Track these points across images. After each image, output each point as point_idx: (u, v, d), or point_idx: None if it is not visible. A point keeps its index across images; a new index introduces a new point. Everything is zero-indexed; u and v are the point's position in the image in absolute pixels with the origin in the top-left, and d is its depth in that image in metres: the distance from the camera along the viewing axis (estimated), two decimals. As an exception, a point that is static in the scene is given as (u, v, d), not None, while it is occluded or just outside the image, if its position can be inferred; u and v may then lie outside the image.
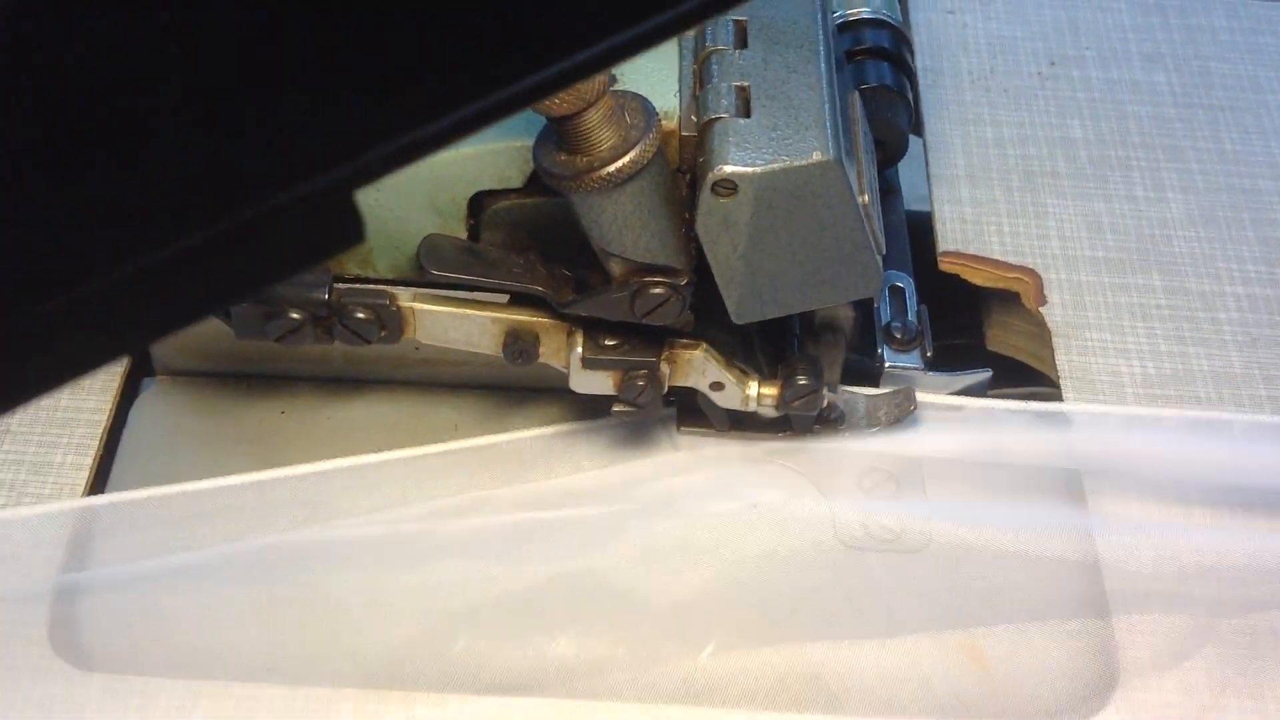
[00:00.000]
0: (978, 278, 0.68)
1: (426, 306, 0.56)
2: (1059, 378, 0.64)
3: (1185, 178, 0.73)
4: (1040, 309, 0.67)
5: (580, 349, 0.57)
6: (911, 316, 0.66)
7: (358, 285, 0.56)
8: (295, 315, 0.55)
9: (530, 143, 0.52)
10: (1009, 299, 0.68)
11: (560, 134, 0.51)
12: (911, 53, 0.71)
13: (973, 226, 0.69)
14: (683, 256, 0.54)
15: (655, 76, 0.55)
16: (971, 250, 0.69)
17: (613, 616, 0.57)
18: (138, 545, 0.57)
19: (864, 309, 0.64)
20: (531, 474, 0.61)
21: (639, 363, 0.57)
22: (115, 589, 0.56)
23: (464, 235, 0.57)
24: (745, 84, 0.54)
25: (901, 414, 0.62)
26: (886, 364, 0.65)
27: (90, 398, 0.61)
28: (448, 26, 0.26)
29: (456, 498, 0.60)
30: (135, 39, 0.25)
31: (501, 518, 0.60)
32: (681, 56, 0.56)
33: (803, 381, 0.58)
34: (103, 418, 0.61)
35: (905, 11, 0.72)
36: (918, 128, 0.73)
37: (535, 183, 0.55)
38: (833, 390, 0.61)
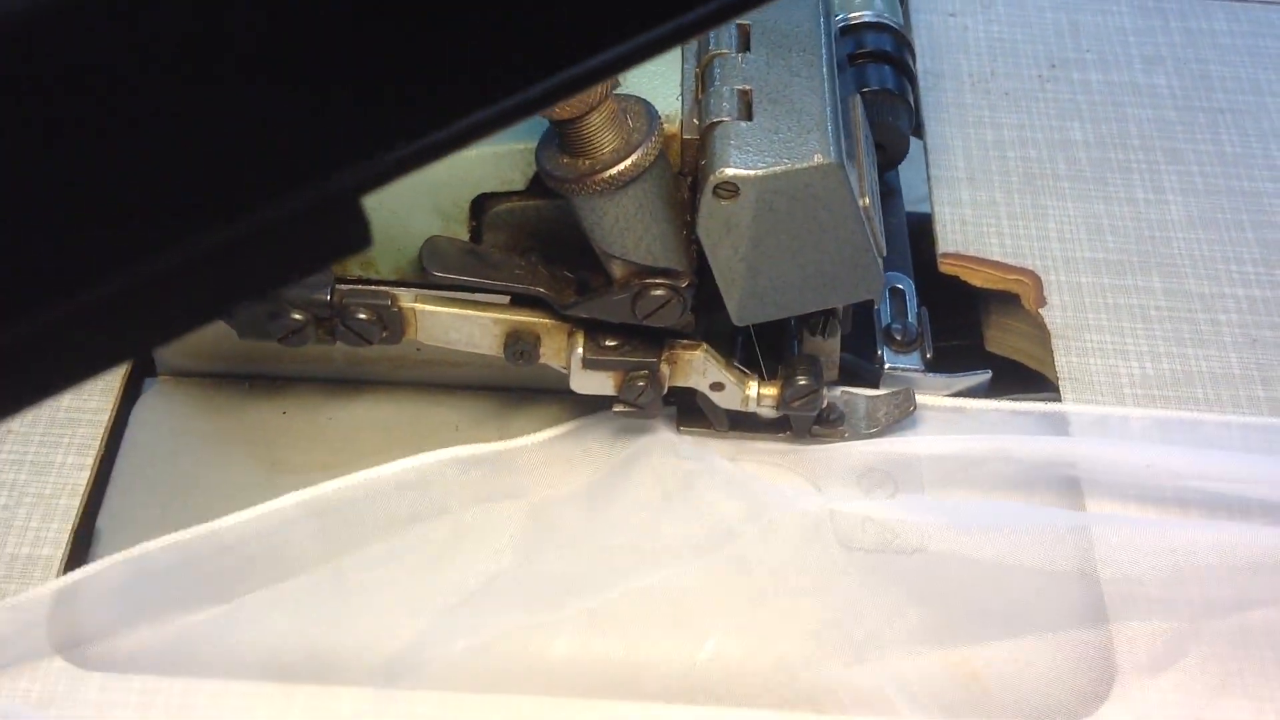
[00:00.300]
0: (977, 279, 0.68)
1: (428, 307, 0.56)
2: (1058, 379, 0.64)
3: (1185, 180, 0.73)
4: (1040, 311, 0.67)
5: (581, 350, 0.57)
6: (911, 318, 0.66)
7: (360, 286, 0.57)
8: (298, 316, 0.55)
9: (533, 145, 0.53)
10: (1009, 300, 0.68)
11: (563, 137, 0.51)
12: (913, 56, 0.71)
13: (973, 228, 0.70)
14: (684, 259, 0.54)
15: (658, 80, 0.55)
16: (971, 252, 0.69)
17: (612, 615, 0.57)
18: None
19: (864, 311, 0.65)
20: (532, 480, 0.61)
21: (639, 363, 0.57)
22: (114, 587, 0.56)
23: (466, 237, 0.57)
24: (747, 87, 0.54)
25: (901, 415, 0.62)
26: (886, 365, 0.65)
27: (92, 398, 0.61)
28: (457, 33, 0.26)
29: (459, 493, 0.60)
30: (143, 42, 0.25)
31: (501, 516, 0.60)
32: (684, 60, 0.57)
33: (802, 382, 0.58)
34: (105, 418, 0.61)
35: (906, 14, 0.72)
36: (918, 130, 0.73)
37: (537, 185, 0.55)
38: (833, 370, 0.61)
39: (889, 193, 0.70)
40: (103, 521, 0.59)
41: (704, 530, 0.60)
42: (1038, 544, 0.59)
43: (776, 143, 0.52)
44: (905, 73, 0.68)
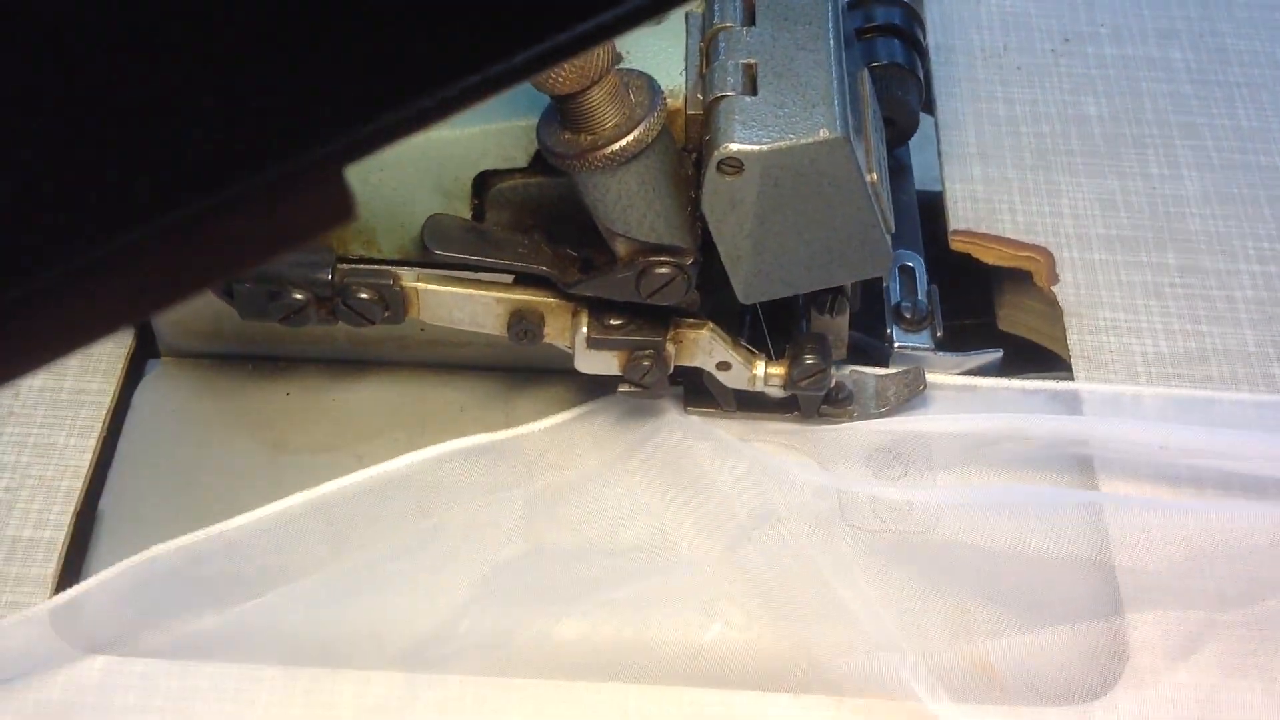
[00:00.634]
0: (989, 257, 0.67)
1: (430, 286, 0.56)
2: (1071, 357, 0.63)
3: (1200, 155, 0.72)
4: (1052, 288, 0.66)
5: (585, 329, 0.56)
6: (922, 296, 0.65)
7: (361, 265, 0.56)
8: (298, 296, 0.55)
9: (534, 122, 0.52)
10: (1021, 278, 0.68)
11: (564, 112, 0.50)
12: (923, 30, 0.70)
13: (984, 205, 0.69)
14: (688, 236, 0.54)
15: (661, 55, 0.55)
16: (983, 229, 0.68)
17: (619, 598, 0.57)
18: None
19: (874, 289, 0.64)
20: (540, 466, 0.60)
21: (644, 342, 0.56)
22: (120, 593, 0.55)
23: (468, 215, 0.56)
24: (752, 61, 0.53)
25: (911, 394, 0.62)
26: (896, 344, 0.64)
27: (94, 379, 0.61)
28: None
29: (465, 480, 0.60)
30: (124, 11, 0.25)
31: (509, 503, 0.59)
32: (688, 34, 0.56)
33: (810, 361, 0.58)
34: (107, 399, 0.61)
35: (917, -12, 0.71)
36: (929, 105, 0.73)
37: (539, 162, 0.54)
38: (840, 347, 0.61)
39: (899, 169, 0.69)
40: (105, 504, 0.59)
41: (711, 512, 0.59)
42: (1049, 526, 0.58)
43: (782, 117, 0.52)
44: (915, 47, 0.68)
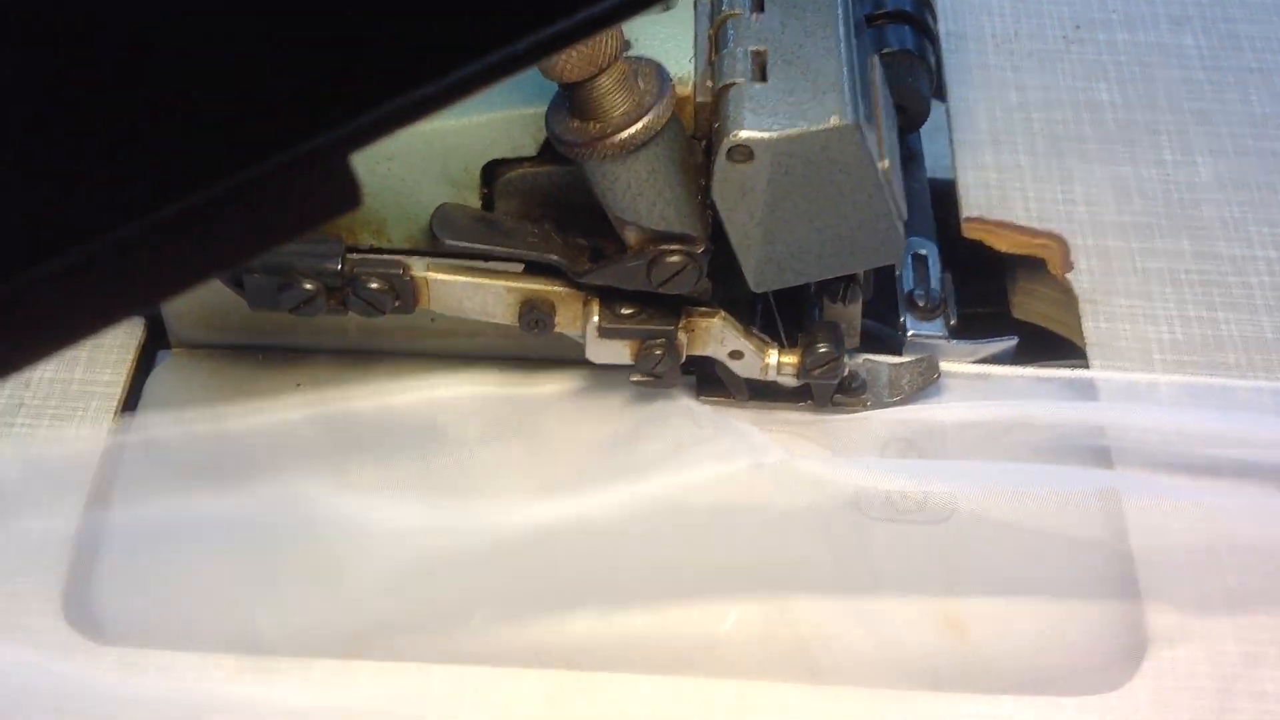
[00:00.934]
0: (1002, 244, 0.67)
1: (441, 276, 0.56)
2: (1086, 345, 0.63)
3: (1214, 141, 0.71)
4: (1066, 275, 0.65)
5: (596, 318, 0.56)
6: (935, 284, 0.65)
7: (371, 255, 0.56)
8: (308, 286, 0.55)
9: (543, 110, 0.52)
10: (1035, 265, 0.67)
11: (573, 100, 0.50)
12: (934, 16, 0.70)
13: (997, 192, 0.68)
14: (699, 224, 0.53)
15: (670, 42, 0.54)
16: (996, 216, 0.68)
17: (632, 588, 0.57)
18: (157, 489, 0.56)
19: (886, 276, 0.64)
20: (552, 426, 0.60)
21: (656, 331, 0.56)
22: (129, 557, 0.55)
23: (477, 204, 0.56)
24: (762, 48, 0.53)
25: (925, 383, 0.61)
26: (909, 332, 0.64)
27: (105, 371, 0.61)
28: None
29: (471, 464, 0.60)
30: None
31: (518, 490, 0.59)
32: (697, 21, 0.56)
33: (823, 349, 0.57)
34: (117, 390, 0.60)
35: (927, -26, 0.71)
36: (940, 93, 0.72)
37: (549, 151, 0.54)
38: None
39: (910, 156, 0.69)
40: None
41: (725, 502, 0.59)
42: (1064, 511, 0.58)
43: (792, 104, 0.51)
44: (926, 33, 0.67)
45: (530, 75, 0.48)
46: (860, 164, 0.51)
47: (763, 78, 0.52)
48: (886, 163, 0.53)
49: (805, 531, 0.58)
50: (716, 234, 0.54)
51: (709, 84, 0.53)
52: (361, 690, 0.53)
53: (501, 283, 0.56)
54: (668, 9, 0.55)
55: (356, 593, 0.56)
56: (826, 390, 0.60)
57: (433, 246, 0.55)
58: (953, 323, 0.64)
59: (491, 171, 0.55)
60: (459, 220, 0.55)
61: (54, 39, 0.24)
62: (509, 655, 0.54)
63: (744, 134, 0.50)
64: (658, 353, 0.57)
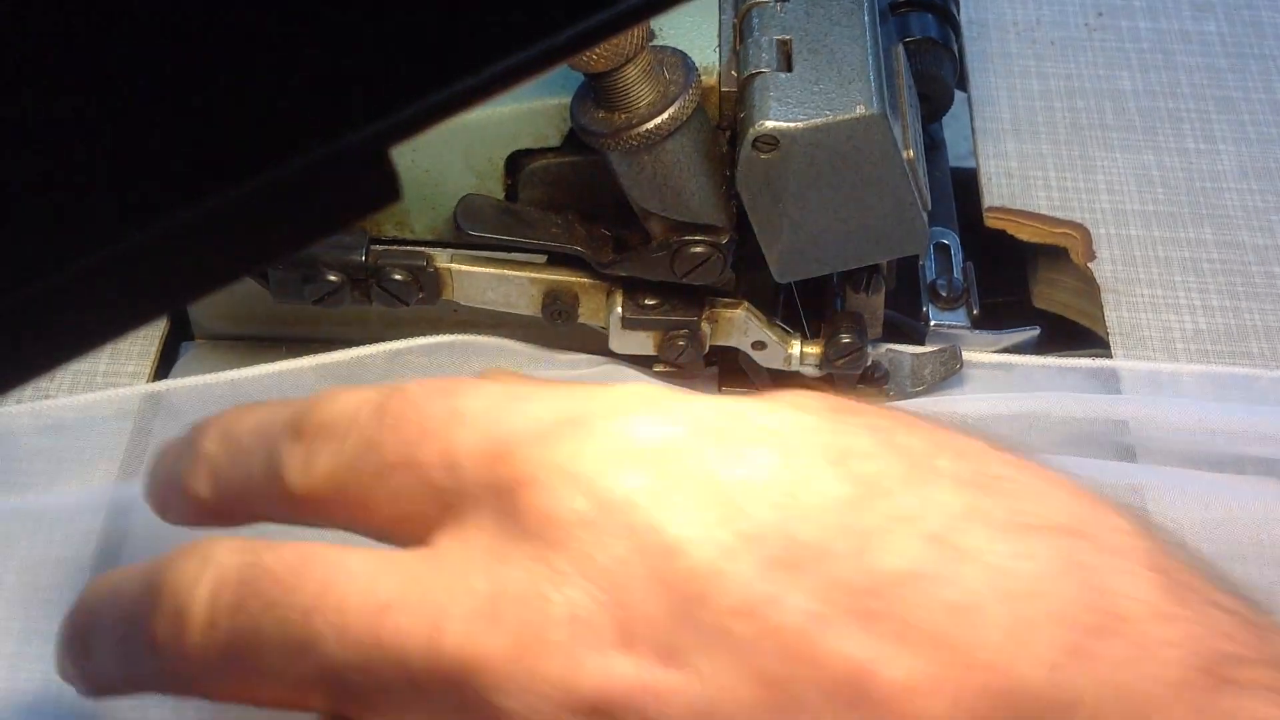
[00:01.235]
0: (1025, 233, 0.67)
1: (464, 267, 0.56)
2: (1108, 335, 0.63)
3: (1237, 129, 0.71)
4: (1089, 265, 0.65)
5: (620, 309, 0.56)
6: (957, 274, 0.65)
7: (395, 246, 0.56)
8: (333, 277, 0.55)
9: (567, 100, 0.52)
10: (1057, 255, 0.67)
11: (598, 91, 0.50)
12: (956, 4, 0.69)
13: (1019, 181, 0.68)
14: (723, 214, 0.53)
15: (694, 31, 0.54)
16: (1018, 205, 0.67)
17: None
18: None
19: (909, 266, 0.63)
20: None
21: (679, 322, 0.56)
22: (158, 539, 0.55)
23: (501, 195, 0.56)
24: (787, 37, 0.53)
25: (947, 373, 0.61)
26: (932, 322, 0.64)
27: (129, 362, 0.61)
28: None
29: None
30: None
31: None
32: (721, 10, 0.55)
33: (846, 339, 0.57)
34: (142, 381, 0.60)
35: (949, -38, 0.70)
36: (962, 81, 0.72)
37: (573, 141, 0.54)
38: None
39: (933, 145, 0.69)
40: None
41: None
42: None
43: (817, 94, 0.51)
44: (949, 21, 0.67)
45: (556, 65, 0.48)
46: (886, 154, 0.51)
47: (788, 67, 0.52)
48: (911, 152, 0.53)
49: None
50: (740, 224, 0.54)
51: (734, 73, 0.53)
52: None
53: (525, 274, 0.56)
54: (694, -2, 0.55)
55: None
56: (849, 381, 0.60)
57: (456, 237, 0.55)
58: (975, 313, 0.64)
59: (515, 162, 0.55)
60: (483, 211, 0.55)
61: (101, 33, 0.24)
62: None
63: (769, 124, 0.50)
64: (681, 343, 0.57)
